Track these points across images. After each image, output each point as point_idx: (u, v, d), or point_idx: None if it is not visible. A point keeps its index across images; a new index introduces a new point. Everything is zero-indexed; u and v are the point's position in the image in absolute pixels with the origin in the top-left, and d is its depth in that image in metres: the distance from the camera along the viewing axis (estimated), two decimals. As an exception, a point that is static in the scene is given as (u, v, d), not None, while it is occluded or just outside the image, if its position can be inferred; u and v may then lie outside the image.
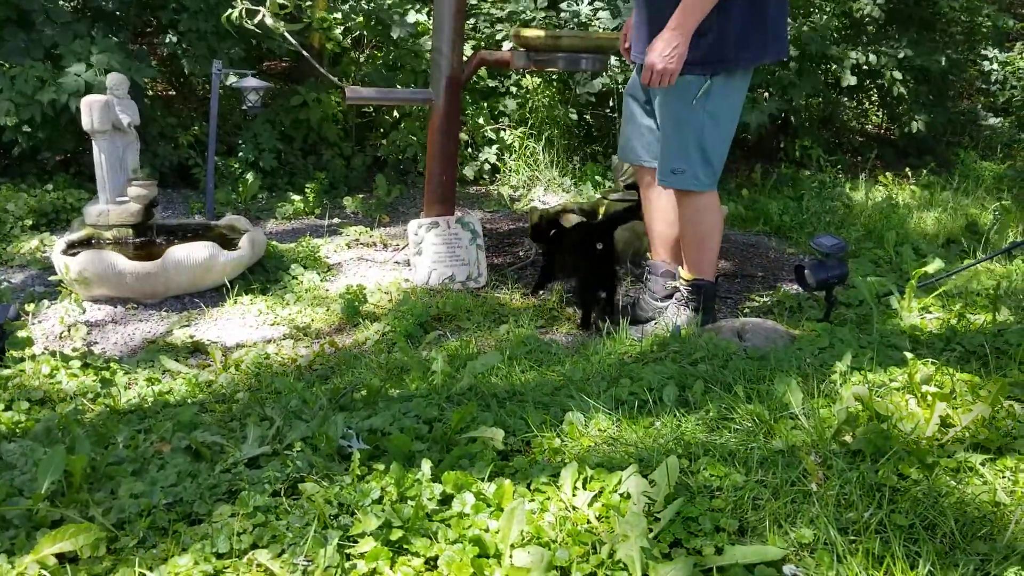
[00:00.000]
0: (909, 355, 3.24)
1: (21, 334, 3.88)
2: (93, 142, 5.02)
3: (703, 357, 3.52)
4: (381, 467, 2.43)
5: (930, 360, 3.40)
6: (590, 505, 2.32)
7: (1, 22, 6.26)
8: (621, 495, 2.34)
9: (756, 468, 2.57)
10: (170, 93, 8.60)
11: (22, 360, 3.72)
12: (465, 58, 5.28)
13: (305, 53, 5.39)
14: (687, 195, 4.09)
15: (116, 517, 2.21)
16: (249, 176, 7.04)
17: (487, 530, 2.14)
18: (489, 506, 2.25)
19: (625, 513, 2.26)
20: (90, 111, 4.89)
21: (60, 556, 2.04)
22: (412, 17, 7.50)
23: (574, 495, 2.36)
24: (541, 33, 5.13)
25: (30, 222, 5.94)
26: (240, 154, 7.22)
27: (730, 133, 4.02)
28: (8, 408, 3.27)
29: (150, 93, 8.01)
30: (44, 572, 1.98)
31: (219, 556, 2.08)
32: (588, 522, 2.22)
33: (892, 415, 2.78)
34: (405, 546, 2.10)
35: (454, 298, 4.84)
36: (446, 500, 2.30)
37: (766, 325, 3.89)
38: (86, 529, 2.04)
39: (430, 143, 5.27)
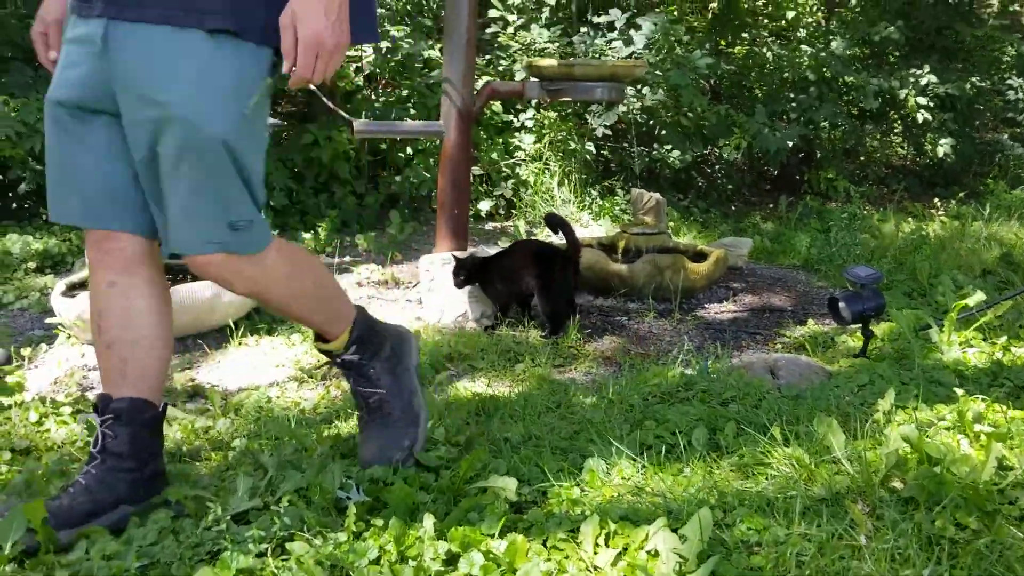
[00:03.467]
0: (959, 391, 2.98)
1: (11, 379, 3.68)
2: (95, 180, 4.86)
3: (734, 396, 3.28)
4: (380, 522, 2.20)
5: (979, 397, 3.13)
6: (613, 564, 2.07)
7: (6, 59, 6.20)
8: (649, 553, 2.09)
9: (798, 519, 2.32)
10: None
11: (10, 408, 3.52)
12: (477, 90, 5.13)
13: (314, 87, 5.23)
14: (249, 259, 2.30)
15: (85, 580, 1.99)
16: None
17: (498, 596, 1.90)
18: (500, 566, 2.01)
19: (653, 574, 2.01)
20: (91, 148, 4.74)
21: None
22: (425, 52, 7.39)
23: (596, 553, 2.11)
24: (554, 62, 4.97)
25: (34, 265, 5.80)
26: (250, 193, 7.07)
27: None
28: (-11, 459, 3.05)
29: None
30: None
31: (195, 628, 1.85)
32: (611, 585, 1.97)
33: (944, 457, 2.52)
34: (404, 615, 1.86)
35: (467, 336, 4.61)
36: (452, 560, 2.06)
37: (800, 361, 3.63)
38: (45, 599, 1.82)
39: (441, 176, 5.09)
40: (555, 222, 4.87)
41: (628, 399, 3.53)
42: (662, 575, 2.01)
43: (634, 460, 2.67)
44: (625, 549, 2.11)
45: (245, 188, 2.21)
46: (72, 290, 4.72)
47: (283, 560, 2.09)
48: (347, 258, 6.55)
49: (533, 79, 5.06)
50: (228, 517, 2.27)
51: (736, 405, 3.16)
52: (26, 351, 4.37)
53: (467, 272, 4.71)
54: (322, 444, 2.98)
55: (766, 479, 2.63)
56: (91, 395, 4.00)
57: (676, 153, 7.67)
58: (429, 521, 2.13)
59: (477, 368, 4.29)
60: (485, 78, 7.67)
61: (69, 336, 4.61)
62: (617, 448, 2.73)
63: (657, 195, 6.02)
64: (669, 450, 2.84)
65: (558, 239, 4.93)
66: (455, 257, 4.73)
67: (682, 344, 4.74)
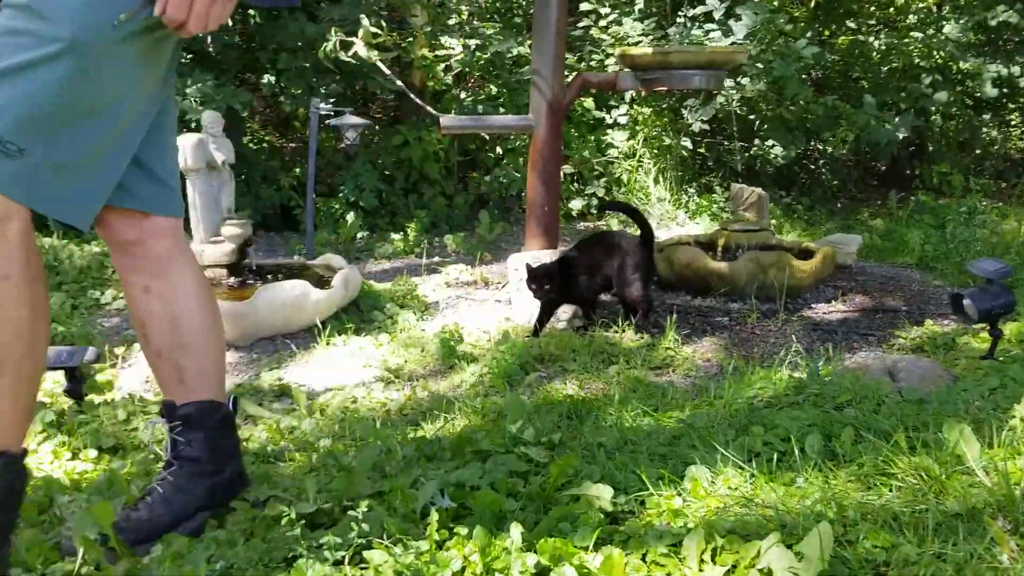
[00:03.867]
0: (1112, 396, 2.64)
1: (101, 377, 3.68)
2: (187, 181, 4.89)
3: (849, 400, 2.99)
4: (464, 531, 2.03)
5: None
6: (722, 584, 1.85)
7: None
8: (760, 571, 1.86)
9: (930, 537, 2.04)
10: (271, 137, 8.61)
11: (99, 406, 3.50)
12: (567, 82, 4.94)
13: (400, 83, 5.16)
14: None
15: (155, 587, 1.88)
16: (349, 216, 6.87)
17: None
18: (594, 583, 1.81)
19: (767, 596, 1.78)
20: (184, 149, 4.76)
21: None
22: (515, 49, 7.26)
23: (701, 570, 1.90)
24: (648, 50, 4.75)
25: (132, 266, 5.88)
26: (341, 194, 7.07)
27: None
28: (75, 456, 3.03)
29: (251, 136, 8.02)
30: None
31: (267, 640, 1.72)
32: (720, 608, 1.75)
33: (1099, 470, 2.20)
34: (489, 634, 1.68)
35: (558, 337, 4.43)
36: (541, 573, 1.87)
37: (921, 364, 3.32)
38: (108, 605, 1.71)
39: (530, 172, 4.93)
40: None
41: (732, 403, 3.28)
42: (777, 598, 1.78)
43: (741, 468, 2.43)
44: (734, 567, 1.89)
45: (69, 116, 1.70)
46: (165, 290, 4.75)
47: (360, 569, 1.94)
48: (436, 258, 6.45)
49: (626, 69, 4.85)
50: (303, 522, 2.14)
51: (852, 410, 2.88)
52: (119, 350, 4.40)
53: (543, 279, 4.43)
54: (406, 446, 2.84)
55: (890, 491, 2.35)
56: (180, 394, 3.98)
57: (779, 150, 7.31)
58: (517, 531, 1.95)
59: (568, 370, 4.11)
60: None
61: (161, 335, 4.62)
62: (722, 455, 2.50)
63: (759, 190, 5.73)
64: (779, 458, 2.59)
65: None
66: (528, 267, 4.43)
67: (789, 346, 4.45)
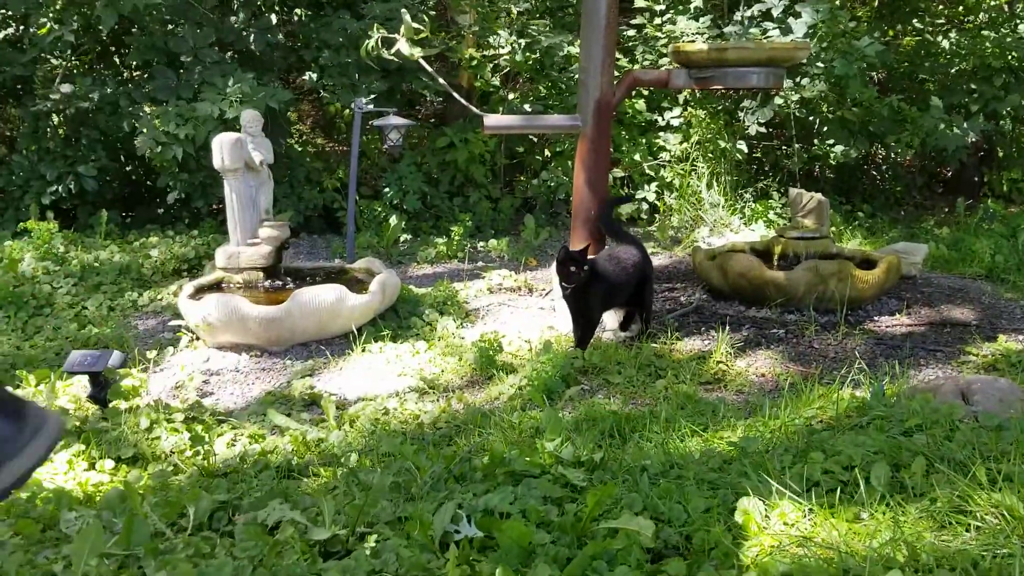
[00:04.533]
0: None
1: (128, 382, 3.56)
2: (224, 181, 4.79)
3: (919, 425, 2.73)
4: (487, 569, 1.83)
5: None
6: (777, 637, 1.62)
7: (148, 62, 6.31)
8: (822, 627, 1.63)
9: (1019, 590, 1.79)
10: (316, 139, 8.53)
11: (124, 412, 3.39)
12: (617, 79, 4.72)
13: (443, 82, 4.99)
14: None
15: (146, 623, 1.72)
16: (392, 219, 6.73)
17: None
18: (631, 634, 1.60)
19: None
20: (221, 149, 4.65)
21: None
22: (565, 48, 7.05)
23: (754, 622, 1.67)
24: (703, 47, 4.51)
25: (172, 267, 5.81)
26: (384, 197, 6.94)
27: None
28: (92, 467, 2.90)
29: (297, 137, 7.94)
30: None
31: None
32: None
33: None
34: None
35: (603, 347, 4.21)
36: (572, 621, 1.67)
37: (999, 384, 3.03)
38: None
39: (577, 174, 4.71)
40: (611, 228, 4.64)
41: (788, 425, 3.03)
42: (842, 659, 1.55)
43: (798, 501, 2.19)
44: (792, 620, 1.66)
45: None
46: (200, 293, 4.64)
47: (373, 607, 1.76)
48: (479, 263, 6.27)
49: (679, 67, 4.61)
50: (316, 549, 1.96)
51: (923, 436, 2.61)
52: (151, 354, 4.29)
53: (576, 262, 4.06)
54: (435, 464, 2.65)
55: (968, 531, 2.10)
56: (208, 402, 3.86)
57: (839, 148, 6.98)
58: (546, 569, 1.74)
59: (613, 383, 3.89)
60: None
61: (193, 339, 4.51)
62: (777, 485, 2.26)
63: (819, 195, 5.43)
64: (841, 488, 2.34)
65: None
66: (566, 249, 4.15)
67: (850, 361, 4.17)
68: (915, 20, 8.12)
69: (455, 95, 5.07)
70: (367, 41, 4.73)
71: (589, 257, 4.12)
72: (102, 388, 3.44)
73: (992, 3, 7.80)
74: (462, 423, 3.45)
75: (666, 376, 3.89)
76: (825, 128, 7.13)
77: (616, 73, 4.73)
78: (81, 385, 3.56)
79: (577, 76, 7.09)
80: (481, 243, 6.77)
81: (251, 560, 1.96)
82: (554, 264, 4.22)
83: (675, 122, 7.41)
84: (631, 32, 7.59)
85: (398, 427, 3.40)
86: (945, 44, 7.86)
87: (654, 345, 4.33)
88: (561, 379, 3.81)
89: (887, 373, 3.89)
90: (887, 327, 4.74)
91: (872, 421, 2.86)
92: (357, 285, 4.85)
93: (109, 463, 2.93)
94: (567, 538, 2.04)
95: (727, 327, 4.50)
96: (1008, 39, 7.20)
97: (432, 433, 3.36)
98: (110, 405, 3.42)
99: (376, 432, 3.32)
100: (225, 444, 3.22)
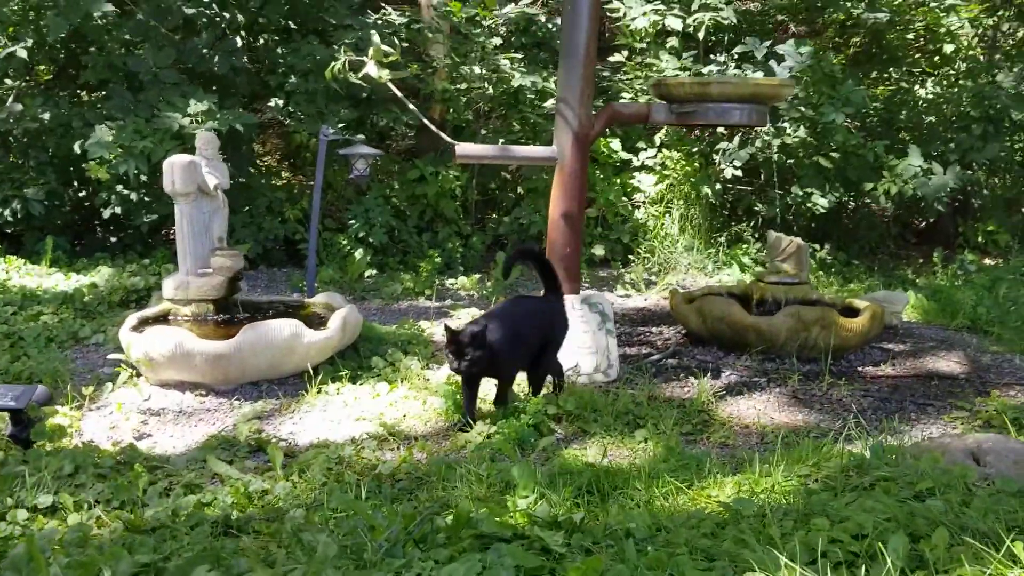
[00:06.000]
0: None
1: (56, 420, 3.21)
2: (175, 206, 4.48)
3: (930, 489, 2.48)
4: (451, 660, 1.53)
5: None
6: None
7: (105, 81, 6.02)
8: None
9: None
10: (279, 168, 8.24)
11: (48, 455, 3.03)
12: (595, 112, 4.51)
13: (413, 107, 4.75)
14: None
15: None
16: (358, 253, 6.44)
17: None
18: None
19: None
20: (172, 171, 4.36)
21: None
22: (538, 84, 6.87)
23: None
24: (686, 80, 4.33)
25: (118, 298, 5.46)
26: (350, 229, 6.65)
27: None
28: (2, 517, 2.55)
29: (259, 167, 7.65)
30: None
31: None
32: None
33: None
34: None
35: (578, 393, 3.94)
36: None
37: (1012, 445, 2.80)
38: None
39: (552, 209, 4.48)
40: (532, 255, 4.05)
41: (783, 484, 2.77)
42: None
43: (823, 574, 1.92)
44: None
45: None
46: (143, 325, 4.30)
47: None
48: (448, 301, 5.99)
49: (660, 101, 4.41)
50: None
51: (937, 501, 2.36)
52: (88, 390, 3.94)
53: (467, 344, 3.45)
54: (392, 522, 2.34)
55: (1000, 615, 1.84)
56: (144, 444, 3.51)
57: (818, 198, 6.83)
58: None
59: (589, 432, 3.60)
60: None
61: (134, 375, 4.16)
62: (787, 560, 1.99)
63: (798, 240, 5.24)
64: (851, 561, 2.08)
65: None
66: (447, 328, 3.52)
67: (837, 413, 3.94)
68: (891, 68, 8.07)
69: (425, 121, 4.84)
70: (334, 64, 4.48)
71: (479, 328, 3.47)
72: (24, 427, 3.10)
73: (969, 53, 7.77)
74: (424, 475, 3.14)
75: (645, 425, 3.62)
76: (802, 173, 6.99)
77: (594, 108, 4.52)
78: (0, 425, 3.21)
79: (550, 112, 6.94)
80: (450, 280, 6.50)
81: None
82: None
83: (650, 163, 7.24)
84: (607, 72, 7.44)
85: (353, 478, 3.08)
86: (922, 93, 7.81)
87: (631, 391, 4.06)
88: (534, 427, 3.52)
89: (882, 428, 3.66)
90: (872, 378, 4.53)
91: (876, 483, 2.61)
92: (316, 321, 4.54)
93: (23, 513, 2.58)
94: (545, 621, 1.75)
95: (707, 373, 4.27)
96: (986, 88, 7.15)
97: (391, 486, 3.05)
98: (33, 446, 3.07)
99: (328, 484, 3.00)
100: (157, 494, 2.88)
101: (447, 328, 3.49)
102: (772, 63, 6.54)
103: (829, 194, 7.03)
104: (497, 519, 2.43)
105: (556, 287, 3.97)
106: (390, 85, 4.40)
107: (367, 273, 6.55)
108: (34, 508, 2.69)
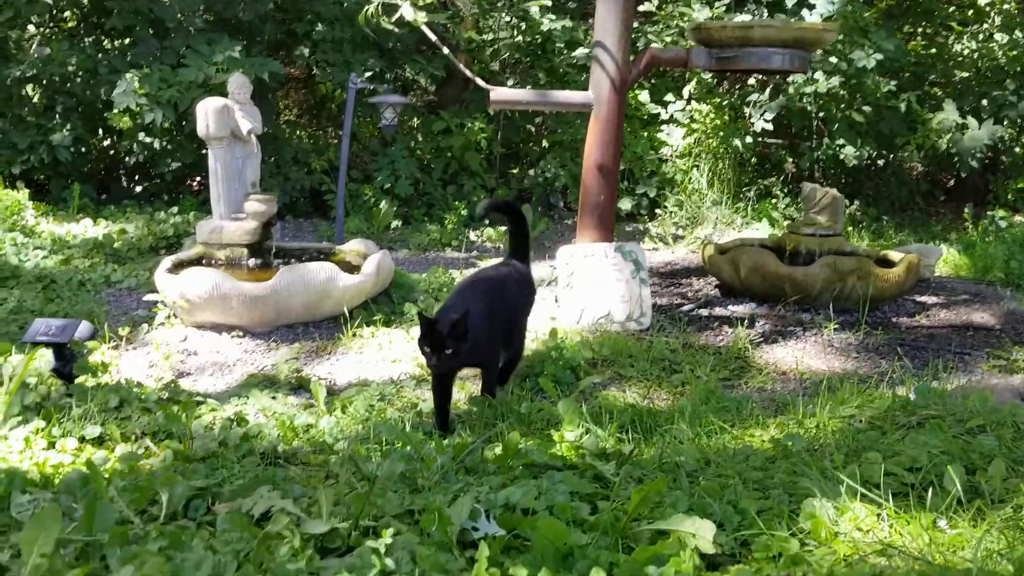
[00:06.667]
0: None
1: (96, 358, 3.23)
2: (208, 150, 4.46)
3: (981, 426, 2.46)
4: (521, 571, 1.54)
5: None
6: (877, 667, 1.34)
7: (131, 27, 5.97)
8: (929, 652, 1.35)
9: None
10: (305, 120, 8.20)
11: (92, 389, 3.05)
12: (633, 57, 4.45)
13: (447, 49, 4.69)
14: None
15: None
16: (383, 204, 6.42)
17: None
18: (704, 659, 1.31)
19: None
20: (205, 115, 4.33)
21: None
22: (567, 35, 6.78)
23: (845, 645, 1.39)
24: (728, 24, 4.25)
25: (148, 244, 5.47)
26: (375, 181, 6.62)
27: None
28: (51, 446, 2.57)
29: (285, 117, 7.61)
30: None
31: None
32: None
33: None
34: None
35: (612, 340, 3.93)
36: (628, 639, 1.38)
37: (1061, 386, 2.77)
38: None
39: (587, 156, 4.43)
40: (508, 208, 3.60)
41: (829, 423, 2.76)
42: None
43: (875, 503, 1.91)
44: (892, 644, 1.38)
45: None
46: (178, 268, 4.31)
47: (384, 616, 1.45)
48: (474, 252, 5.97)
49: (699, 46, 4.35)
50: (312, 546, 1.66)
51: (989, 437, 2.35)
52: (124, 331, 3.96)
53: (452, 335, 2.85)
54: (442, 454, 2.35)
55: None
56: (184, 383, 3.53)
57: (849, 150, 6.74)
58: (598, 578, 1.45)
59: (626, 376, 3.60)
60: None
61: (170, 317, 4.18)
62: (851, 484, 1.98)
63: (834, 191, 5.18)
64: (905, 492, 2.07)
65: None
66: (421, 318, 2.90)
67: (875, 361, 3.92)
68: (925, 23, 7.92)
69: (459, 64, 4.79)
70: (368, 7, 4.42)
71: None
72: (67, 362, 3.11)
73: (1003, 7, 7.61)
74: (464, 413, 3.15)
75: (682, 371, 3.62)
76: (835, 126, 6.89)
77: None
78: (44, 358, 3.22)
79: (580, 63, 6.86)
80: (475, 233, 6.48)
81: (235, 554, 1.66)
82: (558, 252, 3.87)
83: (679, 116, 7.15)
84: (637, 23, 7.32)
85: (395, 415, 3.09)
86: (956, 47, 7.67)
87: (665, 339, 4.05)
88: (571, 370, 3.52)
89: (922, 375, 3.63)
90: (908, 328, 4.50)
91: (924, 421, 2.60)
92: (347, 268, 4.53)
93: (72, 443, 2.60)
94: (607, 540, 1.75)
95: (743, 323, 4.25)
96: (1021, 42, 7.01)
97: (432, 422, 3.06)
98: (76, 381, 3.09)
99: (371, 419, 3.01)
100: (203, 427, 2.90)
101: (421, 318, 2.91)
102: (804, 11, 6.42)
103: (861, 148, 6.94)
104: (547, 451, 2.43)
105: (524, 250, 3.55)
106: (425, 28, 4.34)
107: (392, 225, 6.53)
108: (82, 438, 2.70)
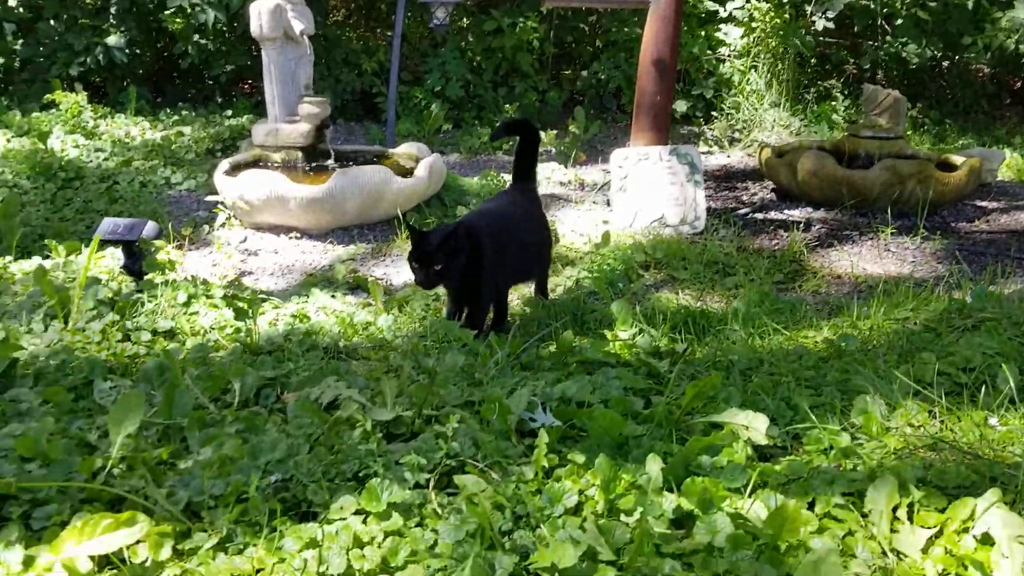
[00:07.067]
0: None
1: (162, 256, 3.34)
2: (262, 51, 4.47)
3: (1039, 329, 2.45)
4: (579, 457, 1.60)
5: None
6: (925, 552, 1.39)
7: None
8: (976, 538, 1.39)
9: None
10: (354, 20, 8.10)
11: (160, 285, 3.17)
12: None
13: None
14: None
15: (193, 498, 1.51)
16: (434, 107, 6.38)
17: (760, 586, 1.27)
18: (756, 539, 1.37)
19: (991, 573, 1.32)
20: (259, 15, 4.33)
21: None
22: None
23: (894, 529, 1.44)
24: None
25: (205, 146, 5.55)
26: (426, 83, 6.58)
27: None
28: (127, 338, 2.69)
29: (334, 18, 7.54)
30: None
31: (329, 579, 1.33)
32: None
33: None
34: (619, 597, 1.26)
35: (665, 243, 3.93)
36: (683, 520, 1.44)
37: (1124, 290, 2.73)
38: (129, 520, 1.34)
39: (643, 55, 4.35)
40: (523, 128, 3.24)
41: (881, 326, 2.77)
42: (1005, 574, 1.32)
43: (929, 399, 1.94)
44: (940, 531, 1.42)
45: None
46: (236, 170, 4.38)
47: (448, 495, 1.54)
48: (526, 156, 5.94)
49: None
50: (383, 431, 1.74)
51: (1047, 340, 2.34)
52: (186, 231, 4.07)
53: (436, 252, 2.69)
54: (498, 350, 2.42)
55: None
56: (246, 281, 3.64)
57: (913, 47, 6.49)
58: (655, 466, 1.51)
59: (679, 279, 3.62)
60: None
61: (230, 218, 4.27)
62: (901, 382, 2.00)
63: (896, 92, 5.04)
64: (958, 391, 2.09)
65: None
66: (410, 228, 2.77)
67: (932, 267, 3.88)
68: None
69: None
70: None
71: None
72: (136, 259, 3.22)
73: None
74: (517, 314, 3.21)
75: (736, 273, 3.62)
76: (899, 25, 6.62)
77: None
78: (114, 256, 3.34)
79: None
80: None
81: (307, 437, 1.75)
82: (612, 154, 3.86)
83: (738, 14, 6.93)
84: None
85: (451, 313, 3.16)
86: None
87: (719, 243, 4.04)
88: (623, 272, 3.55)
89: (979, 279, 3.59)
90: (967, 233, 4.43)
91: (980, 324, 2.59)
92: (400, 171, 4.56)
93: (145, 335, 2.71)
94: (661, 432, 1.81)
95: (798, 227, 4.21)
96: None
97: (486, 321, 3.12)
98: (145, 277, 3.20)
99: (428, 318, 3.09)
100: (267, 323, 3.01)
101: (410, 228, 2.73)
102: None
103: (925, 48, 6.68)
104: (601, 348, 2.49)
105: (533, 172, 3.26)
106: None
107: (443, 128, 6.51)
108: (154, 331, 2.82)
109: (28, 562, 1.33)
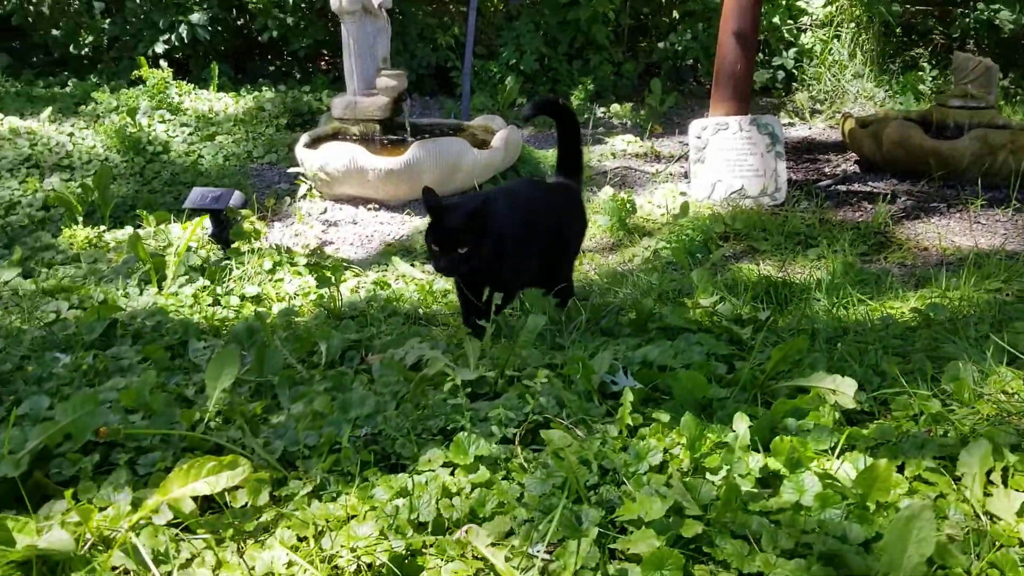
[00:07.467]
0: None
1: (247, 226, 3.43)
2: (341, 25, 4.53)
3: None
4: (664, 416, 1.61)
5: None
6: (1021, 515, 1.36)
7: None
8: (1076, 506, 1.35)
9: None
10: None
11: (246, 253, 3.26)
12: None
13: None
14: None
15: (288, 448, 1.56)
16: (509, 80, 6.39)
17: (847, 542, 1.26)
18: (845, 498, 1.36)
19: (1091, 540, 1.28)
20: (339, -12, 4.38)
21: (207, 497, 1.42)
22: None
23: (988, 495, 1.41)
24: None
25: (285, 121, 5.66)
26: (500, 57, 6.58)
27: None
28: (216, 303, 2.79)
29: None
30: (174, 519, 1.37)
31: (419, 526, 1.36)
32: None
33: None
34: (707, 550, 1.26)
35: (745, 214, 3.88)
36: (768, 480, 1.44)
37: None
38: (231, 464, 1.39)
39: (723, 25, 4.28)
40: (555, 109, 2.82)
41: (971, 297, 2.69)
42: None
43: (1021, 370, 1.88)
44: (1036, 496, 1.39)
45: None
46: (316, 143, 4.46)
47: (533, 451, 1.56)
48: (601, 129, 5.91)
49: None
50: (468, 389, 1.77)
51: None
52: (269, 202, 4.17)
53: (458, 233, 2.26)
54: (576, 316, 2.43)
55: None
56: (329, 249, 3.72)
57: (1006, 14, 6.24)
58: (743, 425, 1.50)
59: (760, 250, 3.57)
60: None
61: (310, 190, 4.36)
62: (995, 348, 1.95)
63: (987, 60, 4.85)
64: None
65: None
66: (428, 193, 2.27)
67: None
68: None
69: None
70: None
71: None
72: (224, 227, 3.32)
73: None
74: (595, 282, 3.21)
75: (819, 245, 3.55)
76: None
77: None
78: (202, 225, 3.45)
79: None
80: (602, 108, 6.39)
81: (393, 395, 1.79)
82: (690, 125, 3.82)
83: (819, -18, 6.76)
84: None
85: (529, 282, 3.18)
86: None
87: (800, 214, 3.97)
88: (703, 243, 3.52)
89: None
90: (1063, 206, 4.25)
91: (1079, 295, 2.50)
92: (476, 143, 4.59)
93: (234, 300, 2.81)
94: (745, 395, 1.80)
95: (883, 199, 4.10)
96: None
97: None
98: (232, 245, 3.30)
99: (506, 285, 3.11)
100: (349, 290, 3.08)
101: (430, 200, 2.25)
102: None
103: (1019, 14, 6.41)
104: (682, 315, 2.47)
105: (576, 164, 2.79)
106: None
107: (518, 101, 6.51)
108: (242, 296, 2.91)
109: (136, 503, 1.39)
